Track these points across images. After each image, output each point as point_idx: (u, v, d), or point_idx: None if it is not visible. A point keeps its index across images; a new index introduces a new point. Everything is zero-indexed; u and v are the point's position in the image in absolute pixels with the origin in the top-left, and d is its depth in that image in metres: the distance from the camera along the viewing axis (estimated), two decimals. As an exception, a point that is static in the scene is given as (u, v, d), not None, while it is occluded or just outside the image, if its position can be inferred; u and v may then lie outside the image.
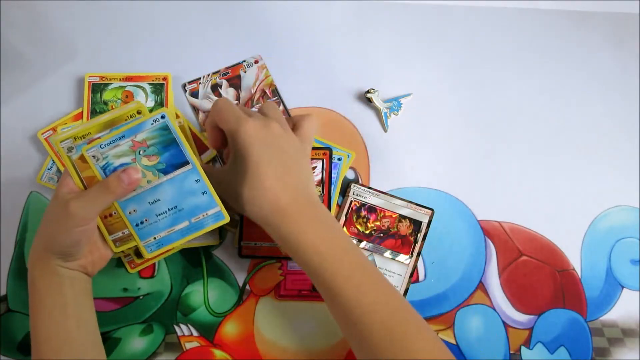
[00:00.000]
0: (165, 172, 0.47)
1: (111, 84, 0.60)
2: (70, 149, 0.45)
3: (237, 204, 0.47)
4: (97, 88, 0.59)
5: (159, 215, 0.49)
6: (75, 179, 0.46)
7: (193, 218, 0.48)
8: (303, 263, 0.45)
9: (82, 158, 0.45)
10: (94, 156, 0.45)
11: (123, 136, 0.46)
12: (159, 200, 0.48)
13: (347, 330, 0.45)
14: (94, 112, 0.59)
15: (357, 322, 0.43)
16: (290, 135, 0.48)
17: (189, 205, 0.48)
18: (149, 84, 0.60)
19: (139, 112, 0.45)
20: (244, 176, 0.46)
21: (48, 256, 0.45)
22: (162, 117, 0.46)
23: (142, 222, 0.49)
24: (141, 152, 0.47)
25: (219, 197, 0.47)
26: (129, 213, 0.49)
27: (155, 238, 0.49)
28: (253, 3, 0.65)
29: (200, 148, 0.58)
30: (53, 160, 0.57)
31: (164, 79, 0.60)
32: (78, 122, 0.45)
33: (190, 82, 0.61)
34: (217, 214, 0.49)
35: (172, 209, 0.49)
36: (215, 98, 0.60)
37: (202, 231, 0.49)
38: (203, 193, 0.48)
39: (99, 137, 0.45)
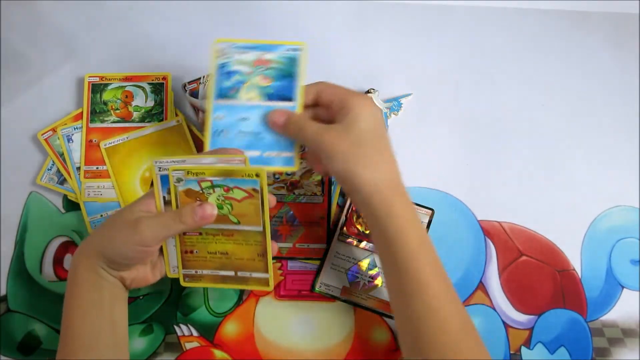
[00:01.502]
0: (270, 97, 0.47)
1: (111, 84, 0.60)
2: (179, 180, 0.45)
3: (342, 172, 0.45)
4: (97, 88, 0.59)
5: (240, 132, 0.48)
6: (157, 203, 0.46)
7: (266, 152, 0.48)
8: (393, 250, 0.44)
9: (187, 192, 0.46)
10: (219, 50, 0.47)
11: (255, 48, 0.48)
12: (248, 119, 0.48)
13: (413, 328, 0.44)
14: (93, 113, 0.59)
15: (437, 322, 0.43)
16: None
17: (270, 138, 0.48)
18: (149, 83, 0.60)
19: (257, 175, 0.44)
20: (364, 148, 0.45)
21: (96, 257, 0.45)
22: (296, 49, 0.47)
23: (221, 131, 0.48)
24: (260, 70, 0.47)
25: (319, 149, 0.46)
26: (216, 118, 0.48)
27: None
28: (253, 3, 0.65)
29: (200, 148, 0.58)
30: (53, 161, 0.57)
31: (164, 78, 0.60)
32: (191, 158, 0.46)
33: (190, 82, 0.61)
34: (288, 159, 0.49)
35: (254, 132, 0.48)
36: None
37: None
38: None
39: (211, 180, 0.45)
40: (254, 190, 0.45)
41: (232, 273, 0.49)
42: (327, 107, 0.48)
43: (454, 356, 0.42)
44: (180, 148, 0.58)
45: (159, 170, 0.46)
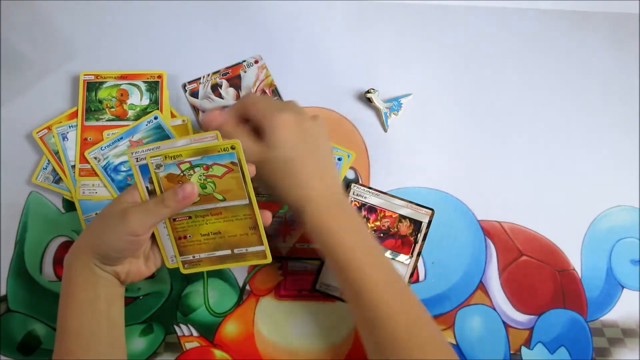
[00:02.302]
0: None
1: (106, 82, 0.60)
2: (158, 166, 0.45)
3: (273, 192, 0.49)
4: (92, 86, 0.59)
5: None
6: (140, 192, 0.46)
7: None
8: (333, 259, 0.46)
9: (168, 177, 0.46)
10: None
11: (122, 137, 0.47)
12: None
13: (366, 328, 0.45)
14: (88, 111, 0.59)
15: (379, 326, 0.44)
16: (318, 127, 0.50)
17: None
18: (144, 82, 0.60)
19: (232, 148, 0.45)
20: (284, 173, 0.48)
21: (89, 254, 0.45)
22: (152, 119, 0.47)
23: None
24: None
25: (260, 181, 0.48)
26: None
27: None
28: (253, 3, 0.65)
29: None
30: (48, 160, 0.57)
31: (159, 77, 0.60)
32: (164, 143, 0.47)
33: (190, 82, 0.61)
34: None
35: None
36: (216, 98, 0.60)
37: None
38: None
39: (189, 162, 0.46)
40: (232, 163, 0.45)
41: (228, 252, 0.49)
42: (254, 122, 0.49)
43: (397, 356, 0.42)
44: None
45: (137, 161, 0.46)
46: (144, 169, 0.46)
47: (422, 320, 0.45)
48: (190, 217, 0.47)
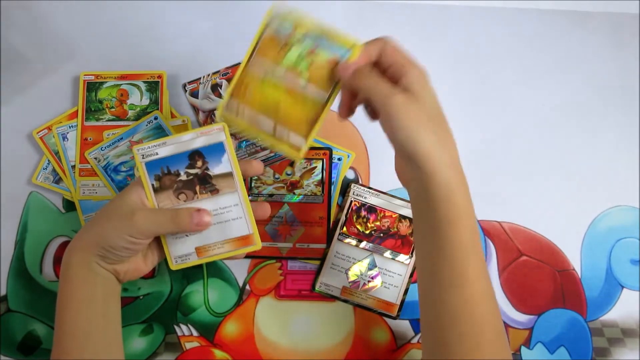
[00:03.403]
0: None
1: (106, 82, 0.60)
2: (272, 21, 0.45)
3: (403, 137, 0.43)
4: (92, 86, 0.59)
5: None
6: (147, 192, 0.46)
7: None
8: (443, 234, 0.42)
9: (274, 34, 0.45)
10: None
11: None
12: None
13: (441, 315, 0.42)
14: (89, 111, 0.59)
15: (470, 320, 0.41)
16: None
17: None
18: (144, 82, 0.60)
19: (351, 47, 0.45)
20: (425, 121, 0.43)
21: (90, 252, 0.45)
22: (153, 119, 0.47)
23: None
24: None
25: (385, 111, 0.43)
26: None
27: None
28: (253, 3, 0.65)
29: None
30: (48, 160, 0.58)
31: (159, 77, 0.60)
32: (175, 136, 0.47)
33: (190, 82, 0.61)
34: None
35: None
36: (216, 98, 0.60)
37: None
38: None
39: (304, 34, 0.45)
40: (338, 61, 0.45)
41: (272, 124, 0.46)
42: (384, 69, 0.45)
43: (480, 356, 0.40)
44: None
45: (143, 158, 0.46)
46: (150, 166, 0.46)
47: (503, 333, 0.43)
48: (265, 76, 0.46)
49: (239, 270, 0.57)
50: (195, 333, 0.55)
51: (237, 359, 0.55)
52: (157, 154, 0.46)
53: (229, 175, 0.46)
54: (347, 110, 0.48)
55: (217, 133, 0.46)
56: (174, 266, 0.48)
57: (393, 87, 0.43)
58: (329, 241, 0.57)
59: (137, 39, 0.63)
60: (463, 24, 0.66)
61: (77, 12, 0.63)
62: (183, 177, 0.46)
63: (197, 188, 0.46)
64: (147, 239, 0.45)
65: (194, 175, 0.46)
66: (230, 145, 0.46)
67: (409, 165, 0.43)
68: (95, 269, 0.45)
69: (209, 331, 0.55)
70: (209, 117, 0.60)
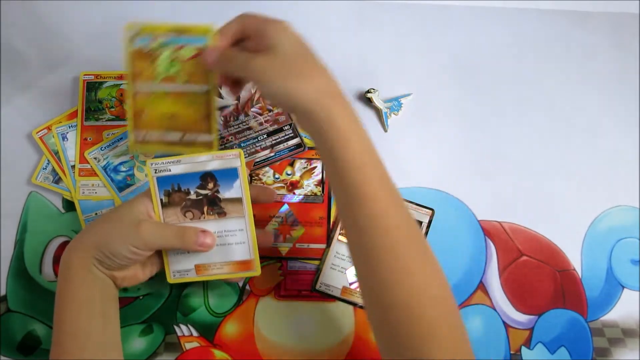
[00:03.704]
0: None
1: (106, 82, 0.60)
2: (132, 39, 0.47)
3: (277, 91, 0.44)
4: (92, 86, 0.60)
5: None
6: (155, 206, 0.47)
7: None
8: (338, 158, 0.42)
9: (138, 51, 0.48)
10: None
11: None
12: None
13: (363, 240, 0.42)
14: (88, 111, 0.59)
15: (383, 234, 0.41)
16: None
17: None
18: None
19: (207, 32, 0.47)
20: (291, 65, 0.44)
21: (90, 253, 0.45)
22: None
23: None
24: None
25: (250, 77, 0.46)
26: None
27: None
28: (253, 3, 0.65)
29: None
30: (48, 160, 0.57)
31: None
32: (190, 156, 0.48)
33: (190, 82, 0.61)
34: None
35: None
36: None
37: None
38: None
39: (162, 39, 0.48)
40: (199, 50, 0.47)
41: (179, 136, 0.50)
42: (252, 39, 0.47)
43: (394, 263, 0.41)
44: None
45: (155, 172, 0.46)
46: (161, 182, 0.47)
47: (420, 237, 0.44)
48: (149, 95, 0.48)
49: (239, 270, 0.57)
50: (195, 333, 0.55)
51: (237, 359, 0.54)
52: (169, 170, 0.46)
53: (238, 200, 0.47)
54: (234, 88, 0.51)
55: (232, 159, 0.46)
56: (171, 280, 0.49)
57: (251, 54, 0.45)
58: (329, 241, 0.57)
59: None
60: (463, 24, 0.66)
61: (77, 12, 0.63)
62: (192, 196, 0.47)
63: (205, 209, 0.47)
64: (150, 251, 0.45)
65: (203, 196, 0.47)
66: (244, 172, 0.46)
67: (290, 109, 0.45)
68: (94, 271, 0.45)
69: (208, 331, 0.55)
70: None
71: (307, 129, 0.44)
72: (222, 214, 0.47)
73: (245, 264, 0.48)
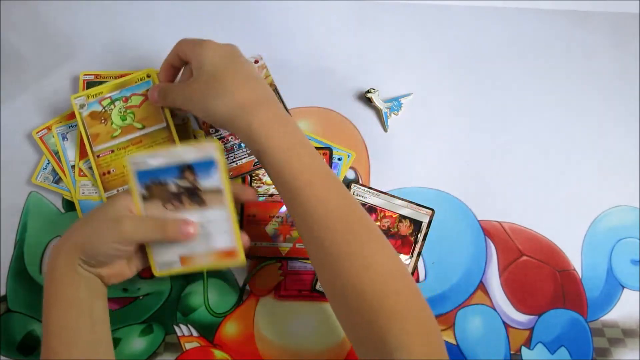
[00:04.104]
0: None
1: (106, 82, 0.59)
2: (82, 106, 0.49)
3: (206, 112, 0.48)
4: (92, 86, 0.59)
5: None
6: (135, 200, 0.47)
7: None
8: (268, 163, 0.45)
9: (91, 115, 0.51)
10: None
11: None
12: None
13: (306, 232, 0.44)
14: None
15: (317, 222, 0.43)
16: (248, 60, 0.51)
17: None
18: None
19: (148, 76, 0.51)
20: (211, 85, 0.47)
21: (75, 254, 0.45)
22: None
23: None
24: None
25: (185, 106, 0.49)
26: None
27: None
28: (253, 3, 0.65)
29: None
30: (48, 160, 0.57)
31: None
32: (167, 148, 0.48)
33: (190, 82, 0.61)
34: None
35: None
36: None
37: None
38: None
39: (109, 97, 0.51)
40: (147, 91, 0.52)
41: None
42: (189, 63, 0.50)
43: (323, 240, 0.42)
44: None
45: (134, 167, 0.47)
46: (141, 176, 0.47)
47: (352, 209, 0.44)
48: (112, 151, 0.51)
49: (239, 271, 0.57)
50: (195, 333, 0.55)
51: (237, 359, 0.54)
52: (148, 164, 0.46)
53: (218, 190, 0.47)
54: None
55: (209, 149, 0.46)
56: (157, 272, 0.48)
57: (182, 83, 0.50)
58: (329, 241, 0.57)
59: (136, 39, 0.63)
60: (463, 24, 0.66)
61: (77, 12, 0.63)
62: (172, 188, 0.47)
63: (186, 200, 0.47)
64: (132, 245, 0.45)
65: (183, 188, 0.47)
66: (222, 162, 0.47)
67: (223, 127, 0.49)
68: (79, 271, 0.45)
69: (209, 331, 0.55)
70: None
71: (244, 143, 0.48)
72: (202, 204, 0.47)
73: (229, 253, 0.48)
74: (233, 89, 0.46)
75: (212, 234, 0.47)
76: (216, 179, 0.47)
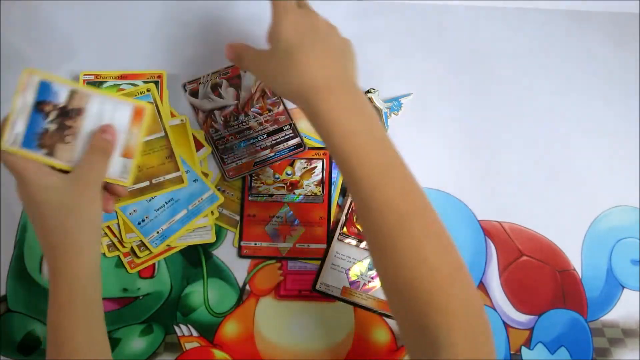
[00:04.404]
0: None
1: (106, 82, 0.60)
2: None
3: (275, 83, 0.47)
4: (92, 86, 0.59)
5: (158, 210, 0.54)
6: (56, 164, 0.46)
7: (190, 205, 0.54)
8: (331, 145, 0.43)
9: None
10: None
11: None
12: (154, 196, 0.54)
13: (364, 220, 0.43)
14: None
15: (373, 210, 0.41)
16: (335, 29, 0.48)
17: (183, 194, 0.55)
18: (144, 82, 0.60)
19: (148, 90, 0.53)
20: (283, 63, 0.45)
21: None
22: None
23: (143, 220, 0.54)
24: None
25: (257, 77, 0.51)
26: (130, 214, 0.53)
27: (158, 232, 0.54)
28: (253, 3, 0.65)
29: (199, 148, 0.58)
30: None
31: (159, 76, 0.60)
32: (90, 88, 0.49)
33: (190, 82, 0.61)
34: (211, 197, 0.56)
35: (168, 201, 0.55)
36: (216, 98, 0.60)
37: (200, 215, 0.55)
38: (194, 181, 0.53)
39: None
40: (149, 103, 0.52)
41: (147, 183, 0.55)
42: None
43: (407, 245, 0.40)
44: (181, 147, 0.58)
45: (16, 144, 0.45)
46: (26, 144, 0.46)
47: (421, 208, 0.42)
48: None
49: (239, 270, 0.57)
50: (195, 333, 0.55)
51: (237, 359, 0.54)
52: (19, 134, 0.46)
53: (74, 92, 0.46)
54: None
55: (29, 80, 0.46)
56: (128, 183, 0.48)
57: (257, 52, 0.49)
58: (329, 241, 0.57)
59: (137, 39, 0.63)
60: (463, 24, 0.66)
61: (77, 12, 0.63)
62: (53, 126, 0.46)
63: (69, 122, 0.46)
64: (100, 197, 0.46)
65: (57, 118, 0.46)
66: (47, 75, 0.46)
67: (296, 104, 0.46)
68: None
69: (208, 331, 0.55)
70: (209, 116, 0.60)
71: (312, 124, 0.45)
72: (79, 111, 0.46)
73: (137, 114, 0.48)
74: (305, 69, 0.44)
75: (112, 119, 0.47)
76: (62, 89, 0.46)
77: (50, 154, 0.46)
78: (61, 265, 0.44)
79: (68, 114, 0.46)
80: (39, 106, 0.46)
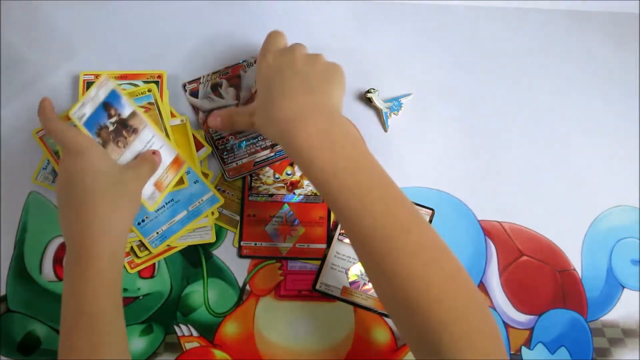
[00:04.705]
0: None
1: None
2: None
3: (263, 127, 0.49)
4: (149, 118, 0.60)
5: (158, 210, 0.54)
6: (111, 156, 0.51)
7: (190, 206, 0.54)
8: (312, 178, 0.44)
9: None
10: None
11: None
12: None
13: (353, 246, 0.44)
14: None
15: (357, 239, 0.42)
16: (316, 58, 0.50)
17: (184, 195, 0.55)
18: (144, 82, 0.59)
19: (149, 90, 0.55)
20: (263, 101, 0.48)
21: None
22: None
23: (143, 221, 0.54)
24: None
25: (257, 129, 0.51)
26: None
27: (157, 232, 0.54)
28: (253, 3, 0.65)
29: (199, 148, 0.58)
30: (48, 160, 0.57)
31: (159, 76, 0.60)
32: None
33: (190, 82, 0.61)
34: (211, 198, 0.56)
35: (168, 202, 0.54)
36: (216, 98, 0.60)
37: (201, 216, 0.55)
38: (195, 182, 0.54)
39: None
40: (150, 104, 0.55)
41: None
42: None
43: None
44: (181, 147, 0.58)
45: (80, 120, 0.52)
46: (88, 125, 0.51)
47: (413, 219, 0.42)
48: None
49: (239, 270, 0.57)
50: (195, 333, 0.55)
51: (237, 359, 0.54)
52: (85, 114, 0.51)
53: (135, 114, 0.53)
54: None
55: (106, 83, 0.52)
56: (153, 208, 0.53)
57: (241, 109, 0.55)
58: (329, 241, 0.57)
59: (136, 38, 0.63)
60: (463, 24, 0.66)
61: (77, 12, 0.63)
62: (111, 127, 0.52)
63: (124, 132, 0.52)
64: (139, 201, 0.51)
65: (116, 123, 0.52)
66: (119, 89, 0.52)
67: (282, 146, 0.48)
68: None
69: (209, 331, 0.55)
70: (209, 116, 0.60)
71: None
72: (135, 130, 0.52)
73: (176, 162, 0.54)
74: (274, 109, 0.45)
75: (160, 152, 0.53)
76: (127, 105, 0.52)
77: (103, 146, 0.51)
78: (90, 243, 0.46)
79: (126, 126, 0.52)
80: (106, 106, 0.52)
